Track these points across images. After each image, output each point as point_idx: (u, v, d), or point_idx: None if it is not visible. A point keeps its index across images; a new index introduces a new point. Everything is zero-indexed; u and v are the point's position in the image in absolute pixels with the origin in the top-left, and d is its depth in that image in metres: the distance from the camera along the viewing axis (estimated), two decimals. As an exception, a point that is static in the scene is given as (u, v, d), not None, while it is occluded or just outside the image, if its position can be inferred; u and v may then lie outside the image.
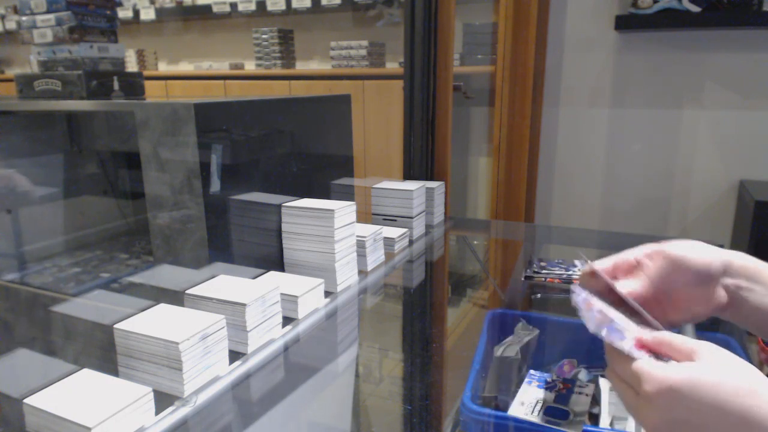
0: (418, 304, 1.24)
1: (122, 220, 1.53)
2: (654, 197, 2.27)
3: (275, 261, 1.10)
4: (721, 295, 0.51)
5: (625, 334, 0.42)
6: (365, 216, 1.39)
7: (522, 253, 1.56)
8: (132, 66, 3.71)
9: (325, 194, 1.29)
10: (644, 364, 0.41)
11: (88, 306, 1.12)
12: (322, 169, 1.27)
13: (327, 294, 1.04)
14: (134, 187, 1.48)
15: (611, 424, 0.83)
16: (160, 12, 3.60)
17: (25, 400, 0.64)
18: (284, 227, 1.09)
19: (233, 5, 3.35)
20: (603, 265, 0.55)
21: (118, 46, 1.33)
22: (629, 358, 0.42)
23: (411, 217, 1.40)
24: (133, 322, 0.76)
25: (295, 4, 3.13)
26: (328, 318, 0.99)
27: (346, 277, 1.09)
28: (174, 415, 0.69)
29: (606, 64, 2.25)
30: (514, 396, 0.88)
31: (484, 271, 1.53)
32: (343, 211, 1.05)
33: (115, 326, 0.75)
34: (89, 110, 1.39)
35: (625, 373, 0.43)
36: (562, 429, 0.75)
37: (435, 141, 1.66)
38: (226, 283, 0.89)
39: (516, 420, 0.77)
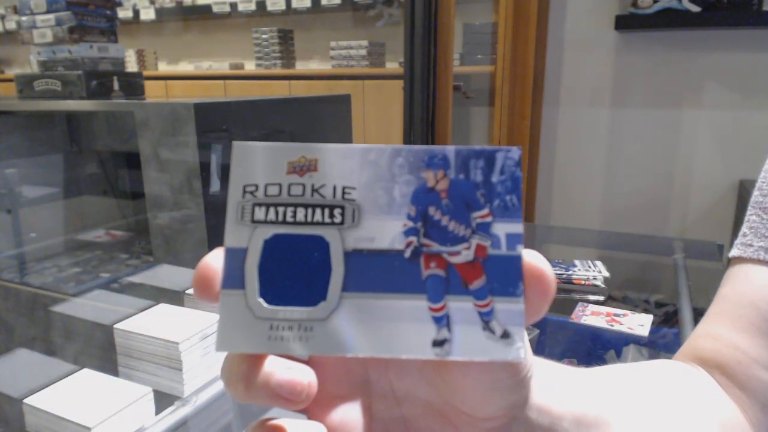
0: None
1: (122, 220, 1.53)
2: (654, 197, 2.27)
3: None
4: None
5: None
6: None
7: (522, 253, 1.56)
8: (132, 66, 3.70)
9: (325, 194, 1.29)
10: None
11: (88, 306, 1.12)
12: (322, 169, 1.27)
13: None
14: (134, 187, 1.48)
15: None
16: (160, 12, 3.60)
17: (25, 400, 0.64)
18: (284, 227, 1.09)
19: (233, 5, 3.35)
20: None
21: (118, 46, 1.33)
22: None
23: (411, 217, 1.40)
24: (133, 322, 0.76)
25: (295, 4, 3.13)
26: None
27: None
28: (174, 415, 0.69)
29: (606, 64, 2.25)
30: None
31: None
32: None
33: (115, 326, 0.75)
34: (89, 110, 1.39)
35: None
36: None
37: (435, 141, 1.66)
38: (226, 283, 0.89)
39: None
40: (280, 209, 0.21)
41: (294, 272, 0.21)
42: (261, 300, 0.21)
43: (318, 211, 0.21)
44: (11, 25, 4.14)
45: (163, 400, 0.71)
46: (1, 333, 1.21)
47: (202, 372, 0.75)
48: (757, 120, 2.08)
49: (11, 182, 1.33)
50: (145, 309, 0.80)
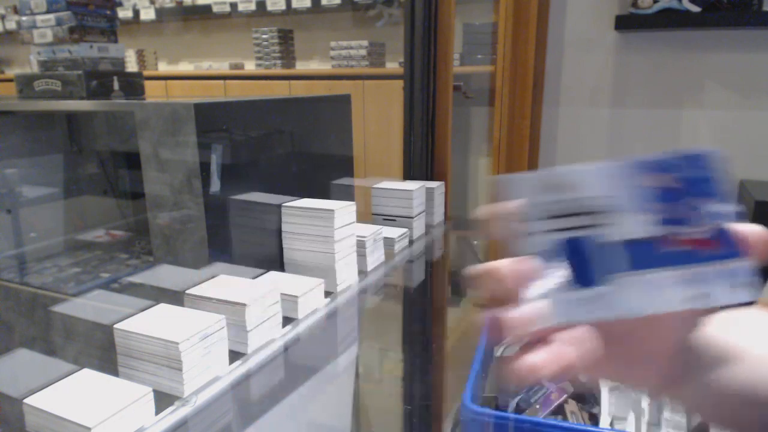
0: (418, 304, 1.24)
1: (122, 220, 1.53)
2: (654, 197, 2.27)
3: (275, 261, 1.10)
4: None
5: None
6: (365, 216, 1.39)
7: (522, 253, 1.55)
8: (132, 66, 3.70)
9: (325, 194, 1.29)
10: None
11: (88, 306, 1.12)
12: (322, 169, 1.27)
13: (327, 294, 1.04)
14: (134, 187, 1.48)
15: (611, 424, 0.83)
16: (160, 12, 3.60)
17: (25, 400, 0.64)
18: (284, 227, 1.09)
19: (233, 5, 3.35)
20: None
21: (118, 46, 1.33)
22: None
23: (411, 217, 1.40)
24: (133, 322, 0.76)
25: (295, 4, 3.13)
26: (328, 318, 0.99)
27: (346, 277, 1.09)
28: (174, 415, 0.69)
29: (606, 64, 2.25)
30: (514, 396, 0.88)
31: (484, 271, 1.52)
32: (343, 211, 1.05)
33: (115, 326, 0.75)
34: (89, 110, 1.39)
35: None
36: (560, 422, 0.75)
37: (435, 141, 1.66)
38: (226, 283, 0.89)
39: (516, 419, 0.77)
40: (555, 220, 0.29)
41: (577, 263, 0.29)
42: None
43: (584, 217, 0.28)
44: (11, 25, 4.14)
45: (163, 400, 0.71)
46: (1, 333, 1.21)
47: (202, 372, 0.75)
48: (757, 120, 2.08)
49: (11, 182, 1.33)
50: (145, 309, 0.80)
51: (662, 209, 0.28)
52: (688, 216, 0.28)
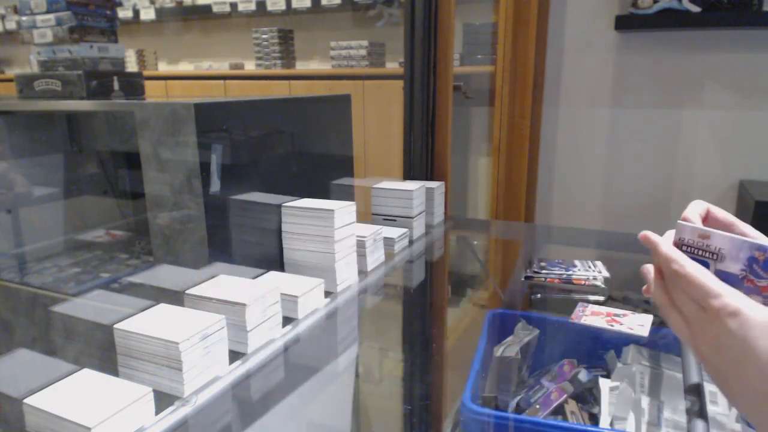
0: (418, 304, 1.24)
1: (122, 220, 1.53)
2: (654, 197, 2.27)
3: (275, 261, 1.10)
4: None
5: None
6: (365, 216, 1.39)
7: (522, 253, 1.56)
8: (132, 66, 3.71)
9: (325, 194, 1.29)
10: (723, 284, 0.50)
11: (88, 306, 1.12)
12: (322, 169, 1.27)
13: (327, 294, 1.04)
14: (134, 187, 1.48)
15: (611, 424, 0.83)
16: (160, 12, 3.60)
17: (25, 400, 0.64)
18: (284, 227, 1.09)
19: (233, 5, 3.35)
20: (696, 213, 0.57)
21: (118, 46, 1.33)
22: (707, 276, 0.51)
23: (411, 217, 1.40)
24: (133, 322, 0.77)
25: (295, 4, 3.13)
26: (328, 318, 0.99)
27: (346, 277, 1.09)
28: (174, 415, 0.69)
29: (606, 64, 2.25)
30: (514, 396, 0.88)
31: (484, 271, 1.53)
32: (343, 211, 1.05)
33: (115, 326, 0.75)
34: (89, 110, 1.39)
35: (696, 287, 0.50)
36: (560, 422, 0.75)
37: (435, 141, 1.66)
38: (226, 283, 0.89)
39: (516, 419, 0.77)
40: (693, 249, 0.53)
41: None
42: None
43: (707, 253, 0.53)
44: (11, 25, 4.14)
45: (163, 400, 0.71)
46: (1, 333, 1.21)
47: (202, 372, 0.75)
48: (757, 120, 2.08)
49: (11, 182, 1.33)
50: (145, 309, 0.80)
51: (749, 265, 0.51)
52: (759, 273, 0.51)
